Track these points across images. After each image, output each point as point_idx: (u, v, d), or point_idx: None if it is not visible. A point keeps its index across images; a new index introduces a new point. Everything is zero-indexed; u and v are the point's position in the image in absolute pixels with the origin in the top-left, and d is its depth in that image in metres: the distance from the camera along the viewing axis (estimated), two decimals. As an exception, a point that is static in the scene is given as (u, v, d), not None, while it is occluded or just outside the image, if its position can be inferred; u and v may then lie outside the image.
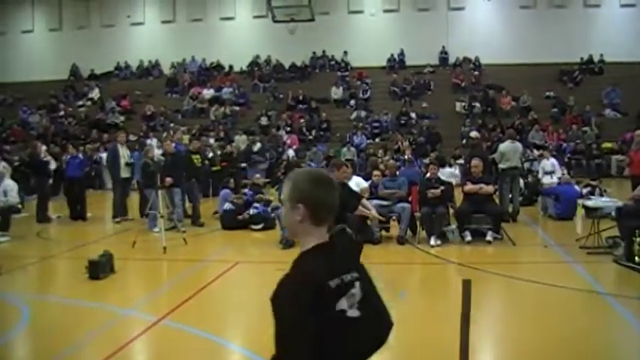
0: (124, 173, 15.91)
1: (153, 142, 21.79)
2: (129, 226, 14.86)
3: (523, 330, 7.26)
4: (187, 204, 15.45)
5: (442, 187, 12.28)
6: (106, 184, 21.20)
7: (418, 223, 12.49)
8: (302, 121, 28.47)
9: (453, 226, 12.49)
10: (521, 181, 16.31)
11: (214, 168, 19.47)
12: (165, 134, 23.24)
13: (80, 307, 8.28)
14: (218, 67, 34.44)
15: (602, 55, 30.77)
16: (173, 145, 15.74)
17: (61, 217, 16.43)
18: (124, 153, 16.04)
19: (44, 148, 19.30)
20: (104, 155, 20.62)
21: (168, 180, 13.49)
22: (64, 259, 11.85)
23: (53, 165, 17.37)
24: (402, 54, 33.01)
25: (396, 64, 32.94)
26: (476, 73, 31.30)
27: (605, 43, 30.42)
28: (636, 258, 9.51)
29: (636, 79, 28.57)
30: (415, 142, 25.14)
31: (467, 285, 4.47)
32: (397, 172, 13.41)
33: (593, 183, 16.12)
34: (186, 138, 19.29)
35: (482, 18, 32.27)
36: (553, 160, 17.53)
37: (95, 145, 25.14)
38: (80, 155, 17.81)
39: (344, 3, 33.53)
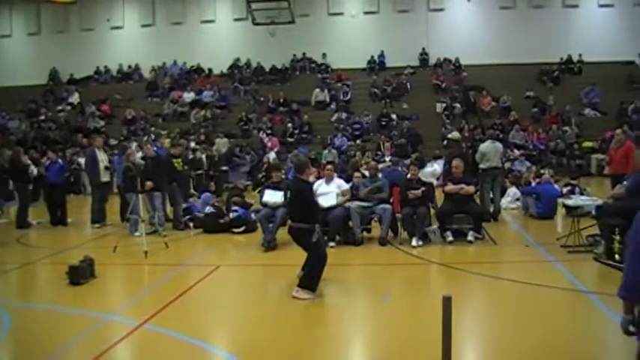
0: (104, 177, 15.86)
1: (133, 145, 21.68)
2: (110, 231, 14.81)
3: (505, 329, 7.28)
4: (169, 208, 15.40)
5: (423, 188, 12.29)
6: (87, 189, 21.04)
7: (399, 224, 12.50)
8: (289, 125, 28.37)
9: (435, 226, 12.54)
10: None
11: (199, 171, 19.37)
12: (145, 138, 23.15)
13: (61, 313, 8.22)
14: (198, 70, 34.38)
15: (581, 55, 31.04)
16: (153, 148, 15.68)
17: (42, 223, 16.31)
18: (102, 157, 15.97)
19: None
20: (82, 160, 20.51)
21: (149, 184, 13.44)
22: (44, 264, 11.73)
23: (35, 171, 17.24)
24: (382, 55, 33.18)
25: (376, 65, 33.12)
26: (455, 73, 31.42)
27: (584, 42, 30.76)
28: (616, 256, 9.56)
29: (615, 79, 29.01)
30: (396, 143, 25.13)
31: (447, 302, 4.44)
32: (380, 174, 13.36)
33: (574, 182, 16.21)
34: (167, 142, 19.18)
35: (462, 19, 32.46)
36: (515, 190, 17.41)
37: (75, 150, 24.96)
38: (60, 160, 17.68)
39: (324, 5, 33.59)
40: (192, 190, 17.27)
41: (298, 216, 8.90)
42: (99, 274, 10.02)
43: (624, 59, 30.39)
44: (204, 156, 20.91)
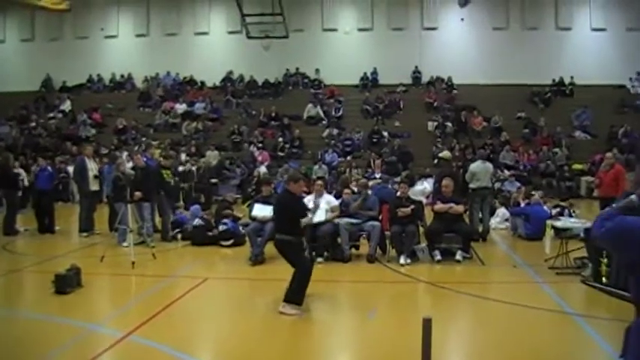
0: (93, 186, 15.78)
1: (123, 155, 21.61)
2: (97, 240, 14.73)
3: (491, 350, 7.27)
4: (157, 219, 15.35)
5: (412, 206, 12.29)
6: (76, 197, 20.94)
7: (388, 242, 12.49)
8: (280, 139, 28.30)
9: (423, 245, 12.52)
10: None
11: (186, 183, 19.30)
12: (136, 147, 23.08)
13: (46, 322, 8.16)
14: (191, 81, 34.37)
15: (572, 78, 31.19)
16: (143, 159, 15.63)
17: (29, 230, 16.22)
18: (92, 166, 15.90)
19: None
20: (71, 168, 20.43)
21: (137, 194, 13.40)
22: (30, 272, 11.68)
23: (26, 180, 17.17)
24: (375, 72, 33.23)
25: (369, 82, 33.13)
26: (447, 92, 31.53)
27: (576, 65, 30.98)
28: (604, 279, 9.59)
29: (606, 102, 29.16)
30: (387, 160, 25.12)
31: (427, 324, 4.45)
32: (369, 192, 13.33)
33: (563, 204, 16.23)
34: (157, 152, 19.09)
35: (455, 38, 32.60)
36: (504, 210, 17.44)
37: (65, 158, 24.85)
38: (49, 168, 17.62)
39: (318, 21, 33.64)
40: (180, 202, 17.23)
41: (285, 228, 8.88)
42: (85, 283, 9.97)
43: (615, 83, 30.62)
44: (194, 168, 20.88)
